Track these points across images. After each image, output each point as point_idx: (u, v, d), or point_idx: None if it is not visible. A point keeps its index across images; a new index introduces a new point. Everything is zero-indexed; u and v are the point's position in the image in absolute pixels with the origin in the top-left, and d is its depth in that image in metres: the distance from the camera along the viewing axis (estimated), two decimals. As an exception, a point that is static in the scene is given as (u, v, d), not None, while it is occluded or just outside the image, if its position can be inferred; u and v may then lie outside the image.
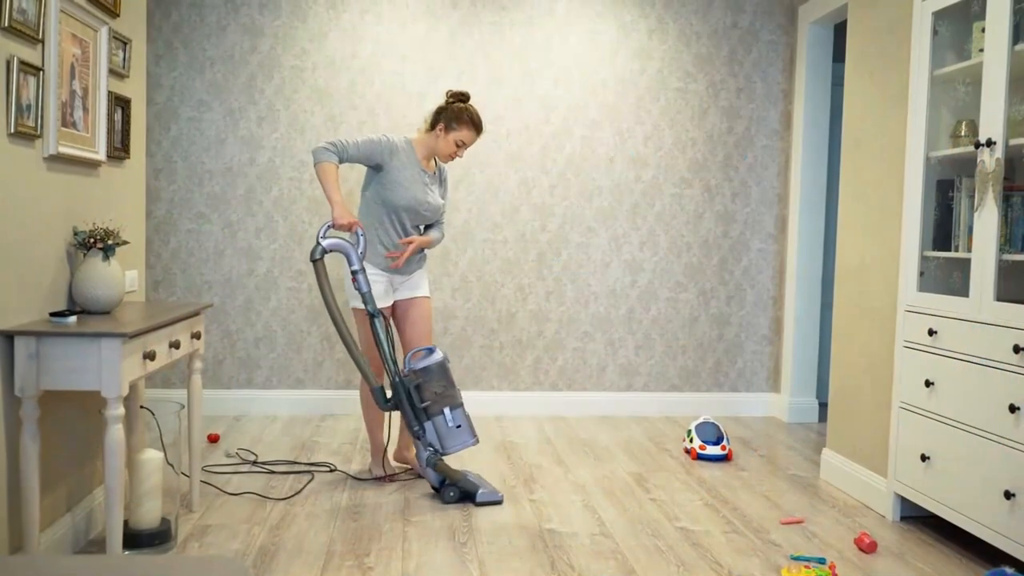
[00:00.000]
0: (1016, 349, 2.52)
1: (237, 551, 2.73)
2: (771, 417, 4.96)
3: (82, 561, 1.55)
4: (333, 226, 3.25)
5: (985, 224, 2.69)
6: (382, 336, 3.28)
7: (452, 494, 3.28)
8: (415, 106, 4.68)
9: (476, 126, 3.44)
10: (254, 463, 3.70)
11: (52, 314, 2.38)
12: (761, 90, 4.91)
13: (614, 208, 4.84)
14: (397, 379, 3.26)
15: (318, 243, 3.17)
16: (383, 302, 3.43)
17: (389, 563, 2.67)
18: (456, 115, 3.41)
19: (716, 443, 3.97)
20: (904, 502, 3.20)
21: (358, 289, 3.25)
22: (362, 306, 3.40)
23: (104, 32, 2.80)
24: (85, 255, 2.59)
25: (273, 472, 3.59)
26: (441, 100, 3.54)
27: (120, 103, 3.02)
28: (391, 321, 3.42)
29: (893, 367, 3.24)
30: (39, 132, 2.41)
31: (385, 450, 3.57)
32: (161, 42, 4.54)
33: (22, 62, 2.30)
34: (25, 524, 2.28)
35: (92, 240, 2.57)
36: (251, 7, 4.58)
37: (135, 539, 2.64)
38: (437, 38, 4.69)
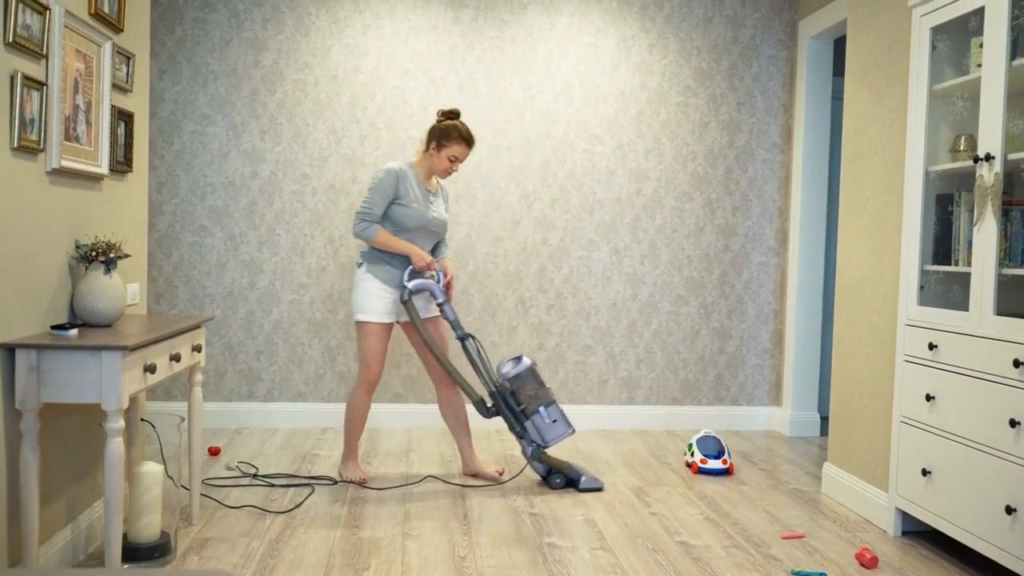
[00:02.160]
0: (1016, 363, 2.51)
1: (236, 564, 2.73)
2: (772, 431, 4.96)
3: (81, 574, 1.55)
4: (414, 269, 3.58)
5: (984, 238, 2.70)
6: (475, 355, 3.64)
7: (559, 481, 3.64)
8: (416, 120, 4.71)
9: (466, 140, 3.63)
10: (254, 476, 3.70)
11: (53, 327, 2.39)
12: (761, 104, 4.92)
13: (615, 221, 4.85)
14: (494, 389, 3.65)
15: (405, 286, 3.56)
16: (390, 317, 3.62)
17: (388, 577, 2.67)
18: (445, 132, 3.60)
19: (717, 457, 3.96)
20: (905, 517, 3.19)
21: (446, 317, 3.65)
22: (367, 319, 3.59)
23: (108, 47, 2.83)
24: (87, 268, 2.60)
25: (273, 485, 3.59)
26: (434, 120, 3.66)
27: (123, 117, 3.04)
28: (470, 341, 3.77)
29: (894, 381, 3.23)
30: (42, 146, 2.43)
31: (356, 456, 3.75)
32: (165, 56, 4.57)
33: (26, 77, 2.32)
34: (24, 537, 2.28)
35: (94, 253, 2.58)
36: (254, 22, 4.62)
37: (134, 552, 2.63)
38: (438, 52, 4.71)
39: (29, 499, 2.27)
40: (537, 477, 3.81)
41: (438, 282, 3.61)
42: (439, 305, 3.63)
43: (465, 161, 3.77)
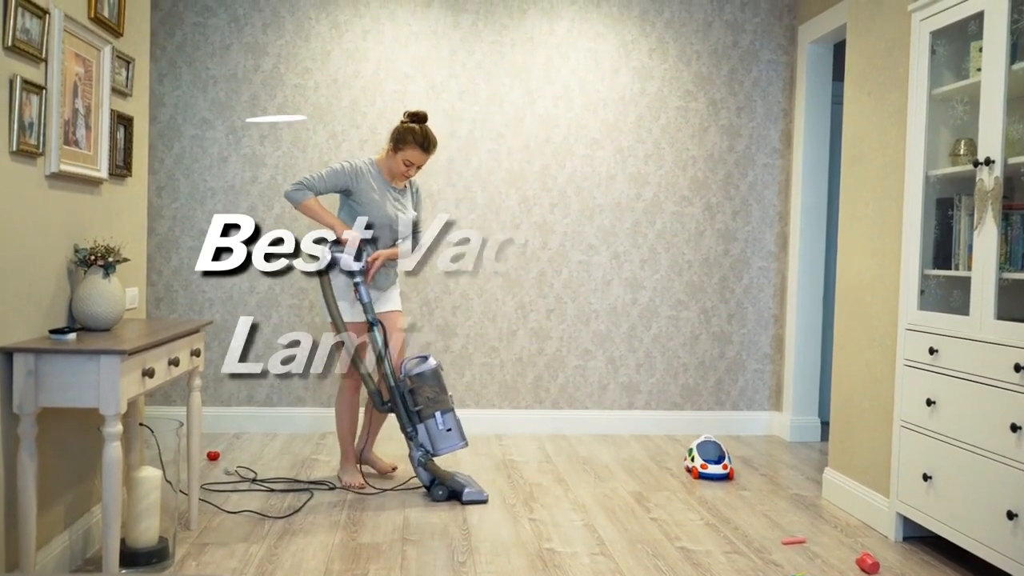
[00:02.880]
0: (1017, 368, 2.51)
1: (234, 570, 2.72)
2: (773, 436, 4.94)
3: (76, 580, 1.54)
4: (337, 243, 3.48)
5: (985, 242, 2.69)
6: (380, 343, 3.51)
7: (441, 492, 3.48)
8: (417, 124, 4.70)
9: (420, 145, 3.55)
10: (253, 481, 3.69)
11: (51, 331, 2.38)
12: (761, 109, 4.92)
13: (615, 226, 4.85)
14: (393, 383, 3.50)
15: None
16: (356, 316, 3.56)
17: (387, 582, 2.66)
18: (402, 135, 3.56)
19: (717, 462, 3.95)
20: (906, 522, 3.18)
21: (359, 299, 3.50)
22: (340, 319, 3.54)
23: (107, 51, 2.83)
24: (85, 272, 2.60)
25: (272, 490, 3.58)
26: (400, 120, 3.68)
27: (123, 121, 3.04)
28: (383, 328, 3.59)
29: (894, 386, 3.22)
30: (41, 150, 2.43)
31: (359, 460, 3.72)
32: (165, 61, 4.57)
33: (25, 81, 2.32)
34: (22, 542, 2.27)
35: (93, 257, 2.57)
36: (254, 27, 4.62)
37: (132, 557, 2.63)
38: (438, 57, 4.72)
39: (26, 504, 2.26)
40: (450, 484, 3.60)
41: (360, 259, 3.47)
42: (355, 284, 3.48)
43: (424, 166, 3.64)
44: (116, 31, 2.93)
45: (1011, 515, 2.52)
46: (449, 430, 3.50)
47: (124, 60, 3.03)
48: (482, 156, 4.75)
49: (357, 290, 3.49)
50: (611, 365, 4.87)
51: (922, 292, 3.08)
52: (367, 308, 3.50)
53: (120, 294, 2.63)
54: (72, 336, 2.38)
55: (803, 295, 4.82)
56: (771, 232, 4.95)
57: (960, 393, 2.79)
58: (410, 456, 3.52)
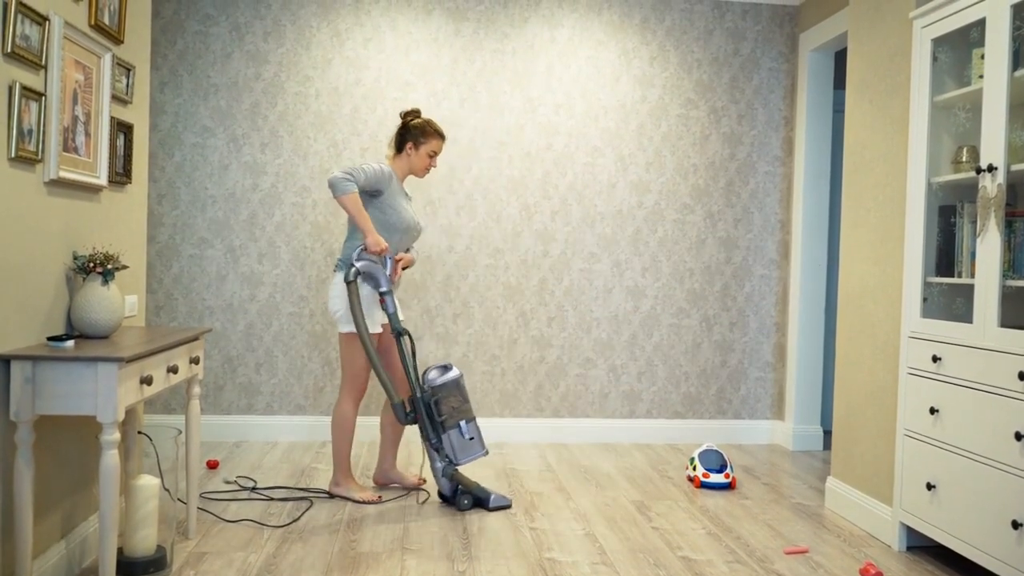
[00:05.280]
0: (1021, 376, 2.49)
1: (233, 579, 2.70)
2: (775, 445, 4.92)
3: (71, 589, 1.52)
4: (366, 251, 3.44)
5: (987, 250, 2.68)
6: (408, 354, 3.53)
7: (466, 501, 3.46)
8: (417, 132, 4.70)
9: (440, 134, 3.64)
10: (252, 490, 3.67)
11: (50, 338, 2.37)
12: (762, 117, 4.92)
13: (616, 234, 4.84)
14: (418, 395, 3.46)
15: (352, 265, 3.40)
16: (375, 328, 3.54)
17: (386, 592, 2.63)
18: (422, 129, 3.61)
19: (719, 471, 3.93)
20: (910, 531, 3.16)
21: (385, 310, 3.48)
22: (353, 330, 3.50)
23: (107, 59, 2.82)
24: (84, 279, 2.59)
25: (272, 499, 3.56)
26: (398, 123, 3.75)
27: (123, 129, 3.03)
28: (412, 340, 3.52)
29: (897, 394, 3.21)
30: (40, 157, 2.42)
31: (383, 480, 3.72)
32: (166, 69, 4.58)
33: (24, 87, 2.31)
34: (17, 551, 2.25)
35: (91, 264, 2.56)
36: (256, 35, 4.63)
37: (129, 567, 2.61)
38: (439, 65, 4.72)
39: (23, 512, 2.25)
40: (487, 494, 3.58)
41: (385, 268, 3.47)
42: (381, 294, 3.45)
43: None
44: (116, 38, 2.93)
45: (1016, 524, 2.49)
46: (472, 439, 3.49)
47: (124, 67, 3.03)
48: (483, 164, 4.74)
49: (384, 300, 3.46)
50: (612, 373, 4.85)
51: (925, 300, 3.07)
52: (393, 319, 3.47)
53: (119, 301, 2.62)
54: (70, 343, 2.37)
55: (805, 303, 4.80)
56: (773, 240, 4.94)
57: (963, 401, 2.77)
58: (431, 467, 3.49)
